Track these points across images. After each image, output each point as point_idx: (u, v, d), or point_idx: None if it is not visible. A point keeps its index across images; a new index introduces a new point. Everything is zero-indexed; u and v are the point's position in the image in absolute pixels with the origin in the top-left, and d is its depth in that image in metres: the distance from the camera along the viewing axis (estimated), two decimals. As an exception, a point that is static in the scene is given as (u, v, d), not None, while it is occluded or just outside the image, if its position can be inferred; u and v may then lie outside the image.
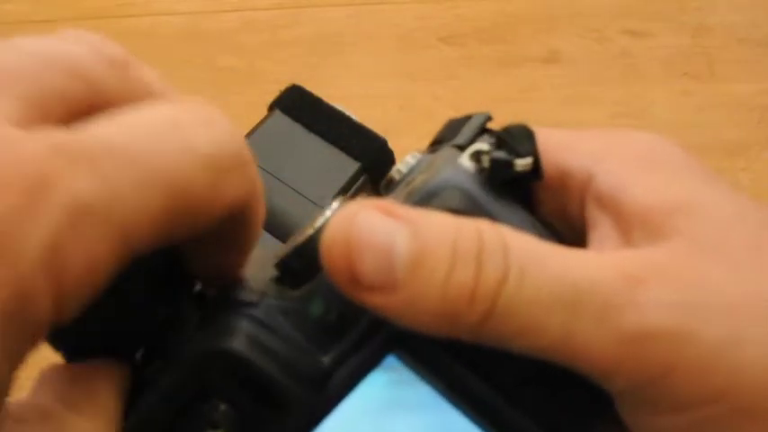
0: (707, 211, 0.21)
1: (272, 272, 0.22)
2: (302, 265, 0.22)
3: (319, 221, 0.22)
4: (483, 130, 0.24)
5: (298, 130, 0.67)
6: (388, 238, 0.19)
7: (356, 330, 0.21)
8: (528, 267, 0.20)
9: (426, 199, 0.22)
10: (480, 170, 0.23)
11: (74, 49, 0.19)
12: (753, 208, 0.22)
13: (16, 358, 0.17)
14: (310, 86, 0.70)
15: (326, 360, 0.21)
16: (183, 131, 0.18)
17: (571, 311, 0.20)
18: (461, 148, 0.24)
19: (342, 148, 0.66)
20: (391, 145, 0.67)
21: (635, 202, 0.22)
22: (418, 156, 0.24)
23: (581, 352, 0.20)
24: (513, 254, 0.20)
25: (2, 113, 0.17)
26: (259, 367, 0.21)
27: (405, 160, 0.24)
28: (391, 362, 0.22)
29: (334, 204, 0.22)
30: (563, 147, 0.24)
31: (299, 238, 0.22)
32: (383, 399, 0.22)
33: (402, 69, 0.79)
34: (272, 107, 0.69)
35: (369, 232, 0.19)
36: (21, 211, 0.16)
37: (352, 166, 0.65)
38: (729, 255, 0.21)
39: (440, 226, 0.20)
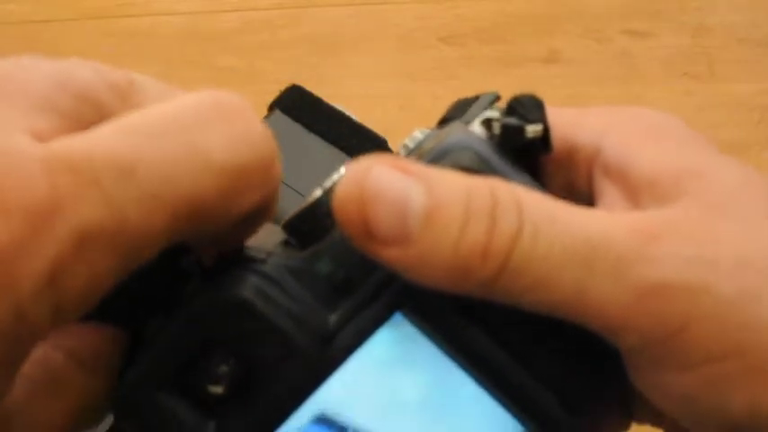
0: (715, 176, 0.21)
1: (279, 236, 0.22)
2: (310, 226, 0.21)
3: (328, 183, 0.22)
4: (491, 108, 0.24)
5: (298, 130, 0.67)
6: (403, 193, 0.19)
7: (363, 289, 0.21)
8: (541, 223, 0.20)
9: (438, 158, 0.22)
10: (491, 136, 0.23)
11: (83, 73, 0.19)
12: (757, 175, 0.22)
13: (12, 366, 0.18)
14: (310, 86, 0.70)
15: (333, 318, 0.21)
16: (196, 135, 0.18)
17: (584, 266, 0.20)
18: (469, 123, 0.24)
19: (342, 148, 0.66)
20: (391, 145, 0.67)
21: (642, 169, 0.22)
22: (426, 131, 0.24)
23: (594, 307, 0.20)
24: (527, 210, 0.20)
25: (18, 124, 0.17)
26: (268, 317, 0.20)
27: (412, 135, 0.24)
28: (398, 319, 0.21)
29: (342, 169, 0.22)
30: (568, 123, 0.24)
31: (308, 200, 0.22)
32: (388, 355, 0.22)
33: (402, 69, 0.79)
34: (272, 107, 0.69)
35: (383, 186, 0.19)
36: (24, 238, 0.16)
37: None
38: (740, 213, 0.21)
39: (453, 183, 0.20)
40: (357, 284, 0.21)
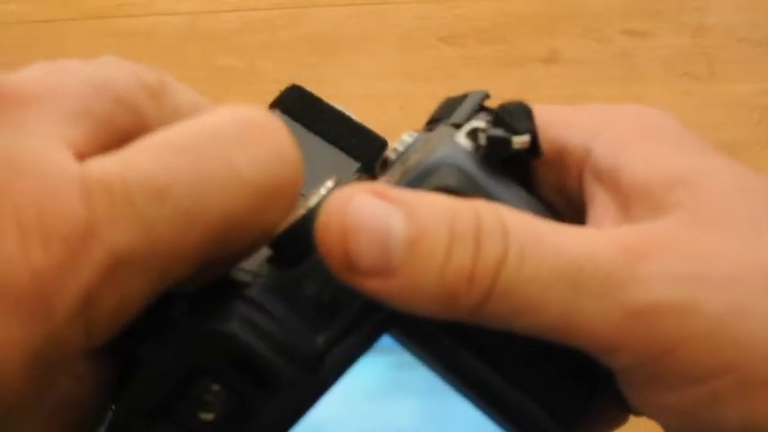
0: (707, 182, 0.21)
1: (265, 252, 0.22)
2: (295, 244, 0.21)
3: (313, 201, 0.21)
4: (480, 109, 0.24)
5: (298, 130, 0.67)
6: (383, 222, 0.19)
7: (351, 310, 0.21)
8: (527, 245, 0.19)
9: (422, 177, 0.21)
10: (477, 148, 0.22)
11: (118, 75, 0.19)
12: (752, 177, 0.22)
13: (43, 390, 0.17)
14: (310, 86, 0.70)
15: (320, 340, 0.21)
16: (228, 152, 0.18)
17: (572, 288, 0.19)
18: (458, 126, 0.23)
19: (342, 148, 0.66)
20: (391, 145, 0.67)
21: (634, 176, 0.21)
22: (414, 134, 0.24)
23: (583, 329, 0.20)
24: (512, 233, 0.19)
25: (58, 134, 0.17)
26: (253, 348, 0.20)
27: (401, 139, 0.24)
28: (389, 343, 0.21)
29: (329, 183, 0.22)
30: (559, 122, 0.23)
31: (293, 218, 0.21)
32: (381, 382, 0.22)
33: (402, 69, 0.79)
34: (272, 107, 0.69)
35: (363, 216, 0.19)
36: (62, 264, 0.16)
37: (352, 166, 0.65)
38: (731, 226, 0.20)
39: (436, 207, 0.19)
40: (344, 306, 0.21)
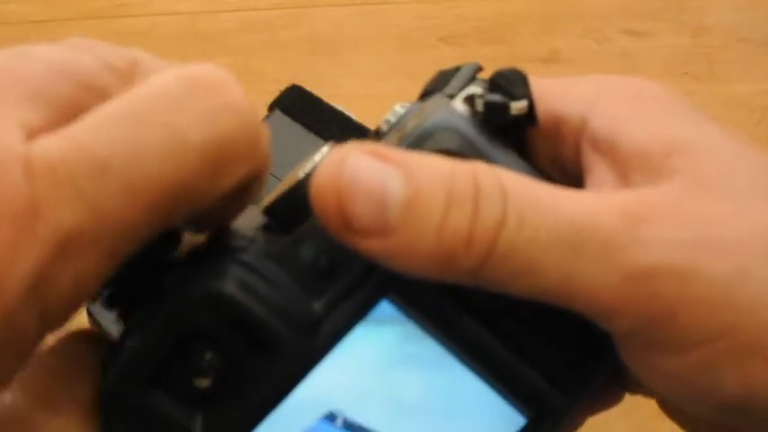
0: (705, 149, 0.21)
1: (261, 219, 0.22)
2: (291, 210, 0.21)
3: (308, 166, 0.21)
4: (473, 80, 0.24)
5: (298, 130, 0.67)
6: (381, 182, 0.19)
7: (348, 274, 0.21)
8: (526, 208, 0.19)
9: (420, 141, 0.21)
10: (474, 113, 0.22)
11: (82, 58, 0.19)
12: (750, 148, 0.22)
13: (4, 375, 0.17)
14: (310, 86, 0.70)
15: (318, 305, 0.21)
16: (170, 116, 0.18)
17: (571, 251, 0.19)
18: (452, 97, 0.23)
19: (342, 149, 0.66)
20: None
21: (632, 143, 0.21)
22: (407, 105, 0.24)
23: (583, 293, 0.19)
24: (511, 195, 0.19)
25: (12, 116, 0.17)
26: (250, 310, 0.20)
27: (393, 110, 0.23)
28: (385, 305, 0.21)
29: (324, 149, 0.21)
30: (555, 94, 0.23)
31: (287, 183, 0.21)
32: (386, 353, 0.21)
33: (402, 69, 0.79)
34: (272, 107, 0.69)
35: (360, 175, 0.19)
36: (8, 244, 0.16)
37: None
38: (731, 192, 0.20)
39: (434, 169, 0.19)
40: (341, 270, 0.21)
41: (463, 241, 0.19)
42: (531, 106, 0.22)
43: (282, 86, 0.69)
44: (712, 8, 0.81)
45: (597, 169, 0.22)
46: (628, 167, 0.21)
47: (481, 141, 0.21)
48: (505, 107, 0.22)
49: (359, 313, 0.21)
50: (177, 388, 0.20)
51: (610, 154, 0.22)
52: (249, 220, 0.22)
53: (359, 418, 0.21)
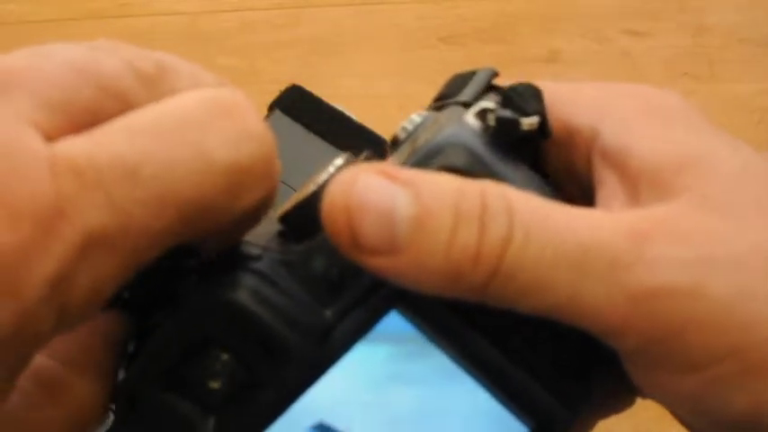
0: (714, 165, 0.21)
1: (275, 226, 0.22)
2: (304, 220, 0.21)
3: (322, 177, 0.22)
4: (489, 87, 0.24)
5: (298, 130, 0.67)
6: (389, 202, 0.19)
7: (358, 285, 0.21)
8: (532, 227, 0.19)
9: (430, 156, 0.22)
10: (486, 128, 0.22)
11: (106, 62, 0.19)
12: (758, 160, 0.22)
13: (15, 369, 0.17)
14: (310, 86, 0.70)
15: (328, 314, 0.21)
16: (198, 134, 0.18)
17: (577, 270, 0.19)
18: (466, 105, 0.23)
19: (342, 149, 0.66)
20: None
21: (642, 159, 0.21)
22: (424, 114, 0.24)
23: (589, 311, 0.20)
24: (518, 214, 0.19)
25: (29, 118, 0.17)
26: (261, 319, 0.21)
27: (410, 118, 0.24)
28: (395, 327, 0.21)
29: (337, 161, 0.22)
30: (566, 101, 0.23)
31: (302, 194, 0.22)
32: (383, 370, 0.22)
33: (402, 69, 0.79)
34: (272, 107, 0.69)
35: (368, 196, 0.19)
36: (31, 243, 0.16)
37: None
38: (738, 210, 0.20)
39: (441, 187, 0.20)
40: (352, 281, 0.21)
41: (471, 258, 0.19)
42: (544, 121, 0.22)
43: (282, 86, 0.69)
44: (712, 8, 0.81)
45: (608, 183, 0.22)
46: (638, 183, 0.21)
47: (491, 158, 0.22)
48: (516, 123, 0.22)
49: (368, 323, 0.21)
50: (191, 390, 0.21)
51: (620, 168, 0.22)
52: (263, 227, 0.22)
53: (355, 426, 0.22)
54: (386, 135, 0.67)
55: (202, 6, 0.83)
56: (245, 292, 0.21)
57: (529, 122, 0.22)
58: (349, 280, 0.21)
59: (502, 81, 0.25)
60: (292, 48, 0.81)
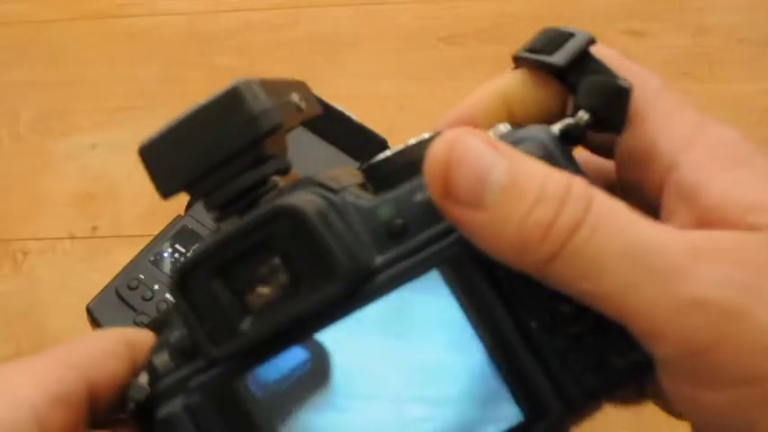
0: None
1: (357, 177, 0.25)
2: (385, 173, 0.24)
3: (412, 140, 0.24)
4: (583, 55, 0.25)
5: (298, 130, 0.67)
6: (487, 163, 0.21)
7: (413, 241, 0.23)
8: (604, 220, 0.21)
9: (513, 144, 0.23)
10: (561, 133, 0.24)
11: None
12: None
13: None
14: (310, 86, 0.70)
15: (380, 259, 0.23)
16: None
17: (635, 269, 0.21)
18: (559, 70, 0.25)
19: (342, 148, 0.66)
20: (391, 145, 0.67)
21: (713, 199, 0.22)
22: (509, 127, 0.25)
23: (636, 308, 0.21)
24: (595, 206, 0.21)
25: None
26: (321, 234, 0.22)
27: (496, 127, 0.25)
28: (433, 275, 0.23)
29: (425, 135, 0.24)
30: (660, 120, 0.24)
31: (394, 148, 0.24)
32: (412, 307, 0.23)
33: (402, 69, 0.79)
34: (272, 107, 0.69)
35: (470, 153, 0.21)
36: None
37: (351, 166, 0.65)
38: None
39: (534, 167, 0.21)
40: (409, 235, 0.23)
41: (540, 234, 0.21)
42: (621, 120, 0.24)
43: (282, 86, 0.69)
44: (712, 8, 0.81)
45: (677, 215, 0.23)
46: (706, 219, 0.22)
47: (563, 160, 0.23)
48: (582, 137, 0.24)
49: (408, 276, 0.23)
50: (238, 287, 0.23)
51: (691, 203, 0.23)
52: (346, 175, 0.25)
53: (355, 359, 0.23)
54: (386, 135, 0.68)
55: (202, 6, 0.84)
56: (314, 208, 0.23)
57: (584, 117, 0.24)
58: (406, 233, 0.23)
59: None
60: (292, 48, 0.81)
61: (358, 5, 0.83)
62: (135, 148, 0.23)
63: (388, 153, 0.24)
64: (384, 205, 0.23)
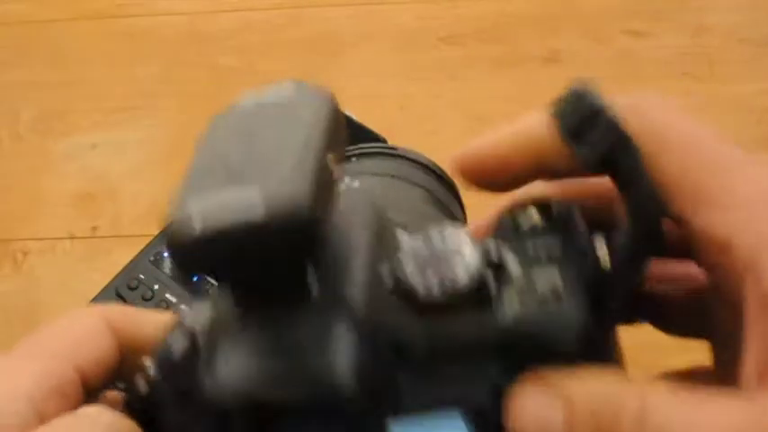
0: None
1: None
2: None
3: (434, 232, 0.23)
4: (618, 145, 0.23)
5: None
6: (545, 419, 0.22)
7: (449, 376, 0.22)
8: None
9: (539, 344, 0.22)
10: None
11: None
12: None
13: None
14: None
15: (403, 379, 0.22)
16: None
17: None
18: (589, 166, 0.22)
19: (342, 148, 0.66)
20: (391, 145, 0.67)
21: None
22: (539, 217, 0.24)
23: None
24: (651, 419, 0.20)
25: None
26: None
27: (528, 213, 0.24)
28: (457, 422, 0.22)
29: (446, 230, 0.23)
30: (735, 211, 0.22)
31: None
32: None
33: (402, 69, 0.79)
34: (272, 107, 0.69)
35: (527, 417, 0.22)
36: None
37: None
38: None
39: (586, 398, 0.21)
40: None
41: None
42: (662, 243, 0.22)
43: (282, 86, 0.69)
44: (712, 8, 0.81)
45: (757, 334, 0.21)
46: None
47: (597, 342, 0.22)
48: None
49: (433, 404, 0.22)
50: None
51: None
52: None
53: None
54: (386, 135, 0.68)
55: (202, 6, 0.83)
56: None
57: (602, 255, 0.23)
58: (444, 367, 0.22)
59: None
60: (292, 48, 0.81)
61: (358, 5, 0.83)
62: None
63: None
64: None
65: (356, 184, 0.32)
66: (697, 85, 0.76)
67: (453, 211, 0.36)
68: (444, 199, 0.36)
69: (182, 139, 0.74)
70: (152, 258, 0.61)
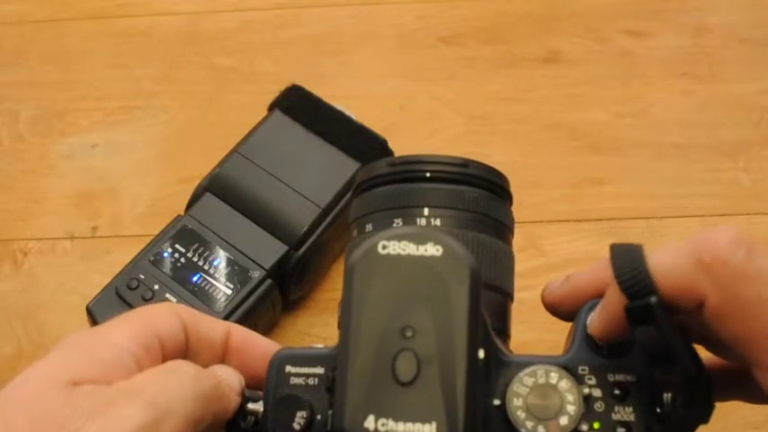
0: None
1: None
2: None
3: None
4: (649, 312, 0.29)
5: (298, 130, 0.67)
6: None
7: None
8: None
9: None
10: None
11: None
12: None
13: None
14: (310, 86, 0.70)
15: None
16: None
17: None
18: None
19: (342, 148, 0.66)
20: (391, 145, 0.67)
21: None
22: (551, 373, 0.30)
23: None
24: None
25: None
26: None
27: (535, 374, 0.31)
28: None
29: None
30: (747, 317, 0.26)
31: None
32: None
33: (402, 69, 0.79)
34: (272, 107, 0.69)
35: None
36: None
37: (352, 166, 0.65)
38: None
39: None
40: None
41: None
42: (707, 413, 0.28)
43: (282, 86, 0.69)
44: (712, 8, 0.81)
45: None
46: None
47: None
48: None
49: None
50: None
51: None
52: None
53: None
54: (386, 135, 0.67)
55: (202, 6, 0.83)
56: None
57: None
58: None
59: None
60: (292, 48, 0.81)
61: (358, 5, 0.83)
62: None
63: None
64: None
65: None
66: (697, 85, 0.76)
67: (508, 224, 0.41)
68: (505, 220, 0.40)
69: (182, 139, 0.74)
70: (152, 258, 0.61)
